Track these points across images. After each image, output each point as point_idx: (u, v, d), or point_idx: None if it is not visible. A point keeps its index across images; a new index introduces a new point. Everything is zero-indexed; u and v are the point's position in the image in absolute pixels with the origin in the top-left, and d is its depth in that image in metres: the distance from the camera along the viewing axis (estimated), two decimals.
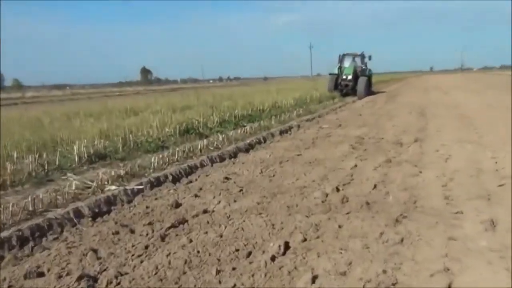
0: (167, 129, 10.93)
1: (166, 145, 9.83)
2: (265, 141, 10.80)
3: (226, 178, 7.03)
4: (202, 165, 8.04)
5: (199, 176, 7.36)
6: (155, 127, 11.02)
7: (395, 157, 8.10)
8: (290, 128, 13.04)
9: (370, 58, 28.94)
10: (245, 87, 55.76)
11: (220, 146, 9.79)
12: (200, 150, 9.17)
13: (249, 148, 9.88)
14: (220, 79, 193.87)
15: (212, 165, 8.16)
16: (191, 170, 7.68)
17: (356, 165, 7.54)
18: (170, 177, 7.09)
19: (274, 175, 7.13)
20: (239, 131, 11.63)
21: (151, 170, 7.45)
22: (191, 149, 9.10)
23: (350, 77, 27.10)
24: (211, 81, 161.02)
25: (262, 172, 7.39)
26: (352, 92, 27.33)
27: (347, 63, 28.83)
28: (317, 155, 8.71)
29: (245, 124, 13.55)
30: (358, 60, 28.99)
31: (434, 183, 6.25)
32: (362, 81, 26.45)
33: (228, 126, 12.91)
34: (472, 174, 6.64)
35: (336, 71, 28.23)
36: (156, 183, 6.77)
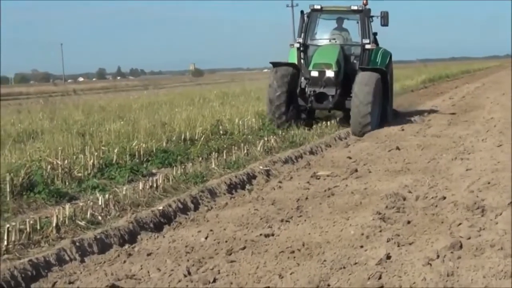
0: None
1: None
2: (196, 207, 10.87)
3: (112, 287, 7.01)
4: (61, 261, 7.97)
5: (54, 285, 7.30)
6: None
7: (470, 239, 8.23)
8: (251, 177, 13.19)
9: (385, 21, 23.93)
10: (154, 91, 55.67)
11: (101, 218, 9.81)
12: (58, 228, 9.09)
13: (162, 222, 9.92)
14: (101, 75, 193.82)
15: (83, 261, 8.12)
16: (38, 272, 7.57)
17: (389, 256, 7.62)
18: None
19: (215, 280, 7.15)
20: (141, 185, 11.63)
21: None
22: (38, 227, 9.01)
23: (330, 72, 22.46)
24: (80, 79, 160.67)
25: (190, 273, 7.38)
26: (342, 113, 23.58)
27: (323, 34, 24.89)
28: (307, 235, 8.79)
29: (153, 171, 13.59)
30: (349, 29, 24.77)
31: None
32: (363, 82, 22.02)
33: (118, 174, 12.97)
34: None
35: (293, 58, 23.90)
36: None
